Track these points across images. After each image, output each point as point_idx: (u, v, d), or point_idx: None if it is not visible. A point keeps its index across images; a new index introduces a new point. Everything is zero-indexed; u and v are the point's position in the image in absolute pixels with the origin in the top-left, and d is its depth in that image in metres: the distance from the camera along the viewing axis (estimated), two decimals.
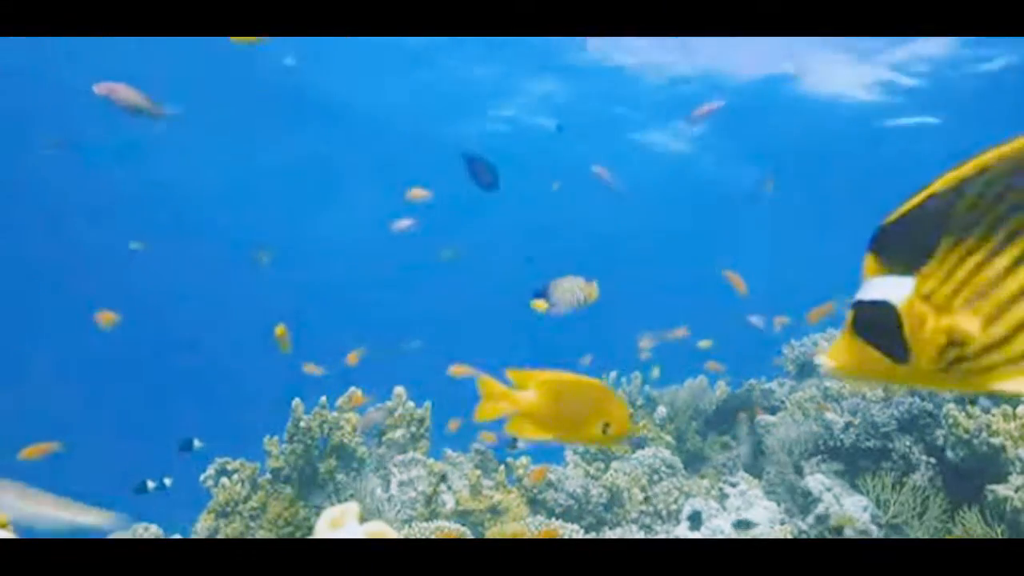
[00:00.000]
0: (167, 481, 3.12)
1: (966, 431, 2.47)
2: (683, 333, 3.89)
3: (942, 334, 0.52)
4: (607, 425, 1.08)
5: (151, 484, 3.06)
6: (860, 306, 0.54)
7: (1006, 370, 0.52)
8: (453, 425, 3.40)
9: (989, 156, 0.51)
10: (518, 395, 1.09)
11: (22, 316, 11.69)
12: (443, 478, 2.74)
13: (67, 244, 10.90)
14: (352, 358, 3.30)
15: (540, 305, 2.02)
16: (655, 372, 3.72)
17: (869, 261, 0.54)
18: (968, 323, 0.51)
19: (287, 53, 7.46)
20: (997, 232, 0.50)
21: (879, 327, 0.53)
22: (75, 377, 12.43)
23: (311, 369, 3.70)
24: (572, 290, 2.02)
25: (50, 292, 11.61)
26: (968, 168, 0.51)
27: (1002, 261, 0.50)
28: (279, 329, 2.85)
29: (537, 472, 2.74)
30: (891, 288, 0.53)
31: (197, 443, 3.12)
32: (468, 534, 2.43)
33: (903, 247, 0.53)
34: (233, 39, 1.60)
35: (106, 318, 3.01)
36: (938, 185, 0.52)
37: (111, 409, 12.52)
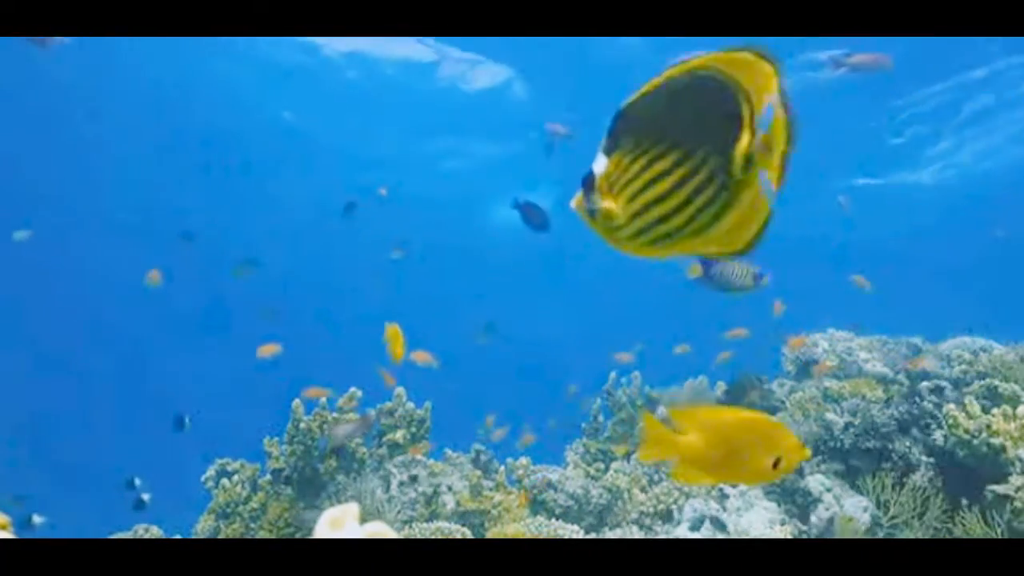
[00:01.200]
0: (137, 481, 3.14)
1: (966, 431, 2.47)
2: (743, 333, 3.81)
3: (604, 207, 0.70)
4: (778, 459, 1.01)
5: (146, 497, 3.07)
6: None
7: (632, 242, 0.71)
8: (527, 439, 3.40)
9: (666, 74, 0.66)
10: (680, 441, 1.01)
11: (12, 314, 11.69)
12: (414, 478, 2.75)
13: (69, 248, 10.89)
14: (388, 379, 3.19)
15: (696, 270, 2.07)
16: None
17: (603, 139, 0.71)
18: (612, 203, 0.70)
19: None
20: (646, 139, 0.67)
21: (585, 189, 0.71)
22: (70, 375, 12.45)
23: (267, 351, 3.56)
24: (734, 275, 2.06)
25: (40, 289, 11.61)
26: (654, 82, 0.66)
27: (639, 163, 0.67)
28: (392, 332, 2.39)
29: (523, 496, 2.73)
30: (598, 164, 0.70)
31: (187, 422, 3.11)
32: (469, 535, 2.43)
33: (610, 134, 0.70)
34: None
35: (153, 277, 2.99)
36: (644, 88, 0.67)
37: (107, 408, 12.53)
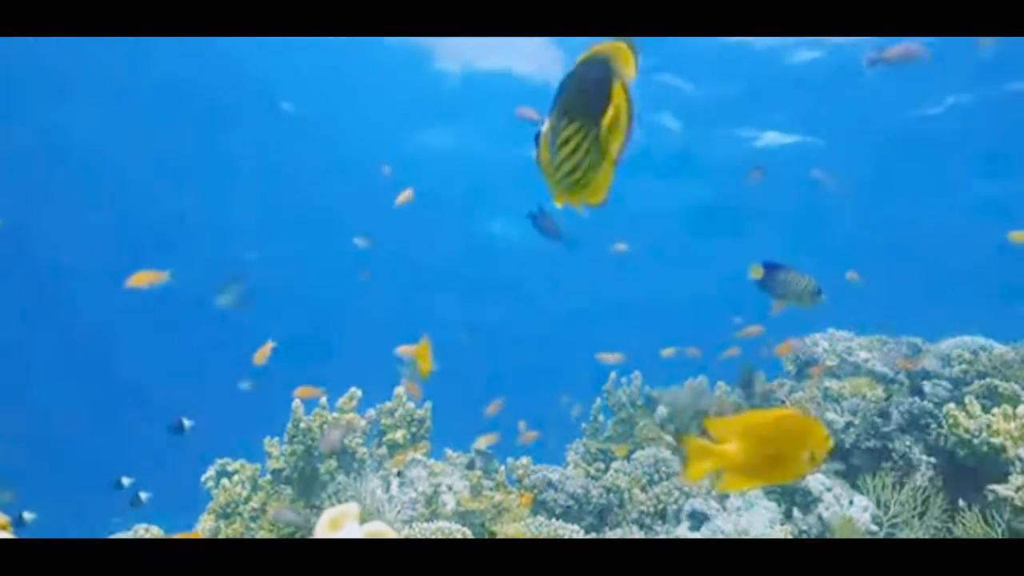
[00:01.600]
0: (125, 480, 3.13)
1: (966, 431, 2.47)
2: (756, 331, 3.80)
3: (539, 158, 0.86)
4: (812, 453, 1.03)
5: (143, 496, 3.06)
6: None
7: (557, 188, 0.87)
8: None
9: (581, 57, 0.80)
10: (723, 450, 1.02)
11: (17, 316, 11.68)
12: (399, 474, 2.76)
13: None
14: (414, 389, 3.17)
15: (757, 272, 2.06)
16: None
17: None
18: (543, 156, 0.85)
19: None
20: (560, 109, 0.82)
21: (535, 143, 0.85)
22: (67, 376, 12.44)
23: (262, 355, 3.51)
24: (797, 286, 2.05)
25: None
26: (577, 61, 0.80)
27: (556, 127, 0.82)
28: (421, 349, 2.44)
29: (525, 497, 2.74)
30: (544, 124, 0.85)
31: (187, 423, 3.06)
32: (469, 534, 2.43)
33: (552, 101, 0.84)
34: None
35: (144, 278, 2.88)
36: (574, 64, 0.81)
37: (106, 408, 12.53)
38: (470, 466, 3.12)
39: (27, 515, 2.88)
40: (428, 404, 3.20)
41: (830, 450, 1.05)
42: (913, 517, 2.43)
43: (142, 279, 2.82)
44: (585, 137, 0.81)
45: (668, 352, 4.05)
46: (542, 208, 2.66)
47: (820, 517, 2.55)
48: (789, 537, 2.49)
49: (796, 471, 1.05)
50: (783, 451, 1.02)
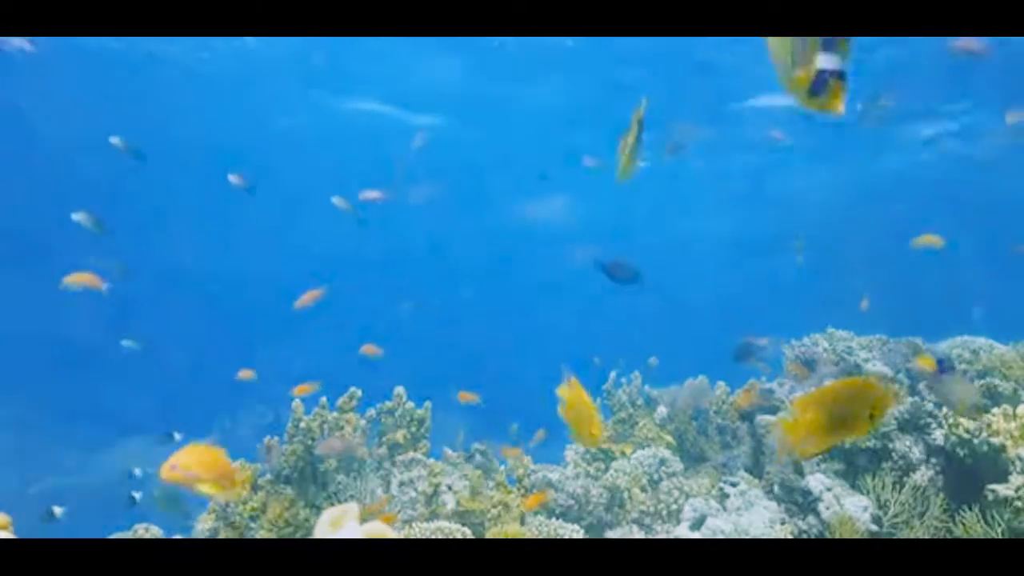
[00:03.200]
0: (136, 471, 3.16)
1: (966, 431, 2.47)
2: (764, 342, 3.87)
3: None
4: (872, 412, 1.18)
5: (136, 495, 3.07)
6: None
7: (623, 175, 1.73)
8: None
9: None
10: (800, 422, 1.20)
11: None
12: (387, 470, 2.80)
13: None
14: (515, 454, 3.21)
15: (928, 362, 2.27)
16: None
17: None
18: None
19: None
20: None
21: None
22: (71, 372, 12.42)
23: (245, 375, 3.65)
24: (960, 393, 2.19)
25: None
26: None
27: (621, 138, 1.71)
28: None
29: (534, 498, 2.73)
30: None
31: (177, 436, 3.09)
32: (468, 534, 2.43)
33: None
34: None
35: (81, 280, 2.93)
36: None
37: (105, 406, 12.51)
38: (470, 459, 3.12)
39: (56, 510, 2.90)
40: (428, 404, 3.20)
41: (888, 407, 1.24)
42: (913, 517, 2.42)
43: (78, 280, 2.89)
44: (625, 144, 1.63)
45: (653, 361, 4.07)
46: (610, 259, 2.61)
47: (820, 516, 2.55)
48: (789, 537, 2.49)
49: (859, 430, 1.22)
50: (851, 412, 1.19)
